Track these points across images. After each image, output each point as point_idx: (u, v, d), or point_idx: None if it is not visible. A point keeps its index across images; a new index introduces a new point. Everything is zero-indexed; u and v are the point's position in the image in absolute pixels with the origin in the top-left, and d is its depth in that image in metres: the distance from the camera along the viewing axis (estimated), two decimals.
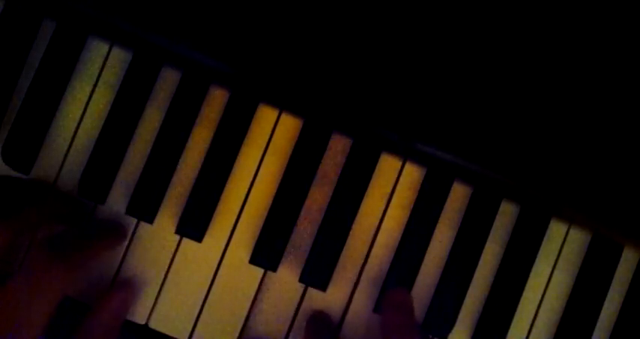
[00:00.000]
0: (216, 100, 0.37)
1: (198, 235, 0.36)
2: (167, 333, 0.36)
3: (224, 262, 0.37)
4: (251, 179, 0.37)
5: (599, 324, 0.37)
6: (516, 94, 0.35)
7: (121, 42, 0.37)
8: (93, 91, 0.37)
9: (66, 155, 0.37)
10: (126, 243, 0.37)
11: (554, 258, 0.38)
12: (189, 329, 0.36)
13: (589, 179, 0.35)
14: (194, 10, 0.35)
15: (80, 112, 0.37)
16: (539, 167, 0.35)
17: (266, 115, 0.37)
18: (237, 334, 0.37)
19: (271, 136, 0.37)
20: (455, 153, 0.35)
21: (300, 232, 0.37)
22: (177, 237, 0.37)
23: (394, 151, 0.37)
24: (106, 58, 0.37)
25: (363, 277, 0.37)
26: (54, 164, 0.37)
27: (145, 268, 0.37)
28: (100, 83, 0.37)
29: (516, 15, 0.35)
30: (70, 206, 0.36)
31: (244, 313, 0.37)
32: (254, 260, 0.37)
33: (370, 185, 0.37)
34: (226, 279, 0.37)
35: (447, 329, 0.37)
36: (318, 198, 0.37)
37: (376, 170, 0.37)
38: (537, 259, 0.37)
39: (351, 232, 0.37)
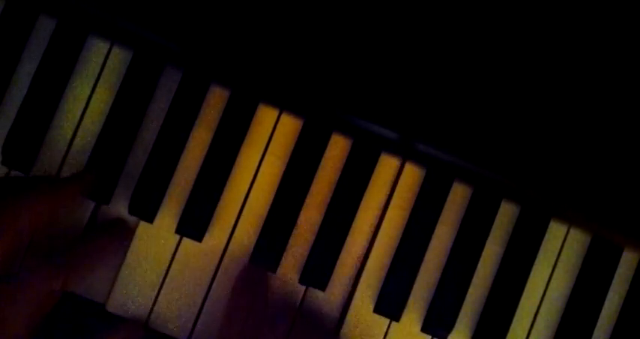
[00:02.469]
0: (216, 100, 0.37)
1: (198, 235, 0.36)
2: (166, 333, 0.36)
3: (224, 262, 0.37)
4: (251, 179, 0.37)
5: (599, 324, 0.37)
6: (516, 95, 0.35)
7: (121, 41, 0.37)
8: (93, 90, 0.37)
9: (66, 154, 0.37)
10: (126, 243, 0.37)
11: (554, 258, 0.38)
12: (189, 329, 0.36)
13: (589, 180, 0.35)
14: (194, 9, 0.35)
15: (80, 111, 0.37)
16: (540, 168, 0.35)
17: (266, 115, 0.37)
18: None
19: (271, 136, 0.37)
20: (455, 153, 0.35)
21: (300, 233, 0.37)
22: (177, 237, 0.37)
23: (394, 151, 0.37)
24: (107, 58, 0.37)
25: (363, 277, 0.37)
26: (54, 163, 0.37)
27: (145, 268, 0.36)
28: (100, 83, 0.37)
29: (516, 15, 0.35)
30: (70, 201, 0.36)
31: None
32: (254, 260, 0.37)
33: (370, 185, 0.37)
34: (226, 279, 0.37)
35: (447, 329, 0.37)
36: (317, 198, 0.37)
37: (376, 170, 0.37)
38: (537, 259, 0.37)
39: (350, 232, 0.37)
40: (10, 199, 0.31)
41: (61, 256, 0.33)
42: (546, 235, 0.37)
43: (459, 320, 0.37)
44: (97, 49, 0.37)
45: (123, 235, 0.36)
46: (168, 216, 0.37)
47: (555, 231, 0.38)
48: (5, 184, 0.34)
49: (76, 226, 0.37)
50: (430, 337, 0.37)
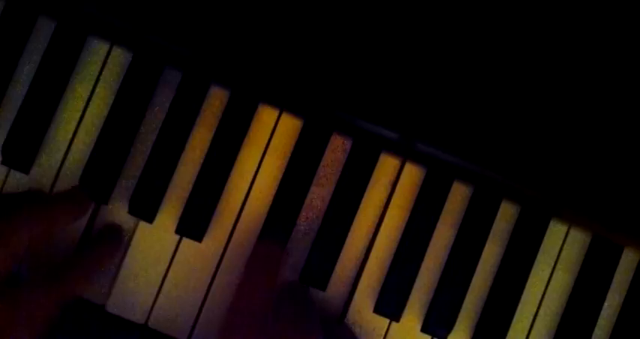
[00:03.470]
0: (216, 100, 0.37)
1: (198, 235, 0.36)
2: (166, 333, 0.36)
3: (224, 262, 0.37)
4: (251, 179, 0.37)
5: (599, 324, 0.37)
6: (517, 95, 0.35)
7: (121, 42, 0.37)
8: (93, 91, 0.37)
9: (65, 155, 0.37)
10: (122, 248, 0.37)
11: (554, 258, 0.38)
12: (189, 329, 0.36)
13: (589, 180, 0.35)
14: (194, 10, 0.35)
15: (80, 112, 0.37)
16: (540, 168, 0.35)
17: (266, 115, 0.37)
18: None
19: (271, 136, 0.37)
20: (455, 153, 0.35)
21: (300, 233, 0.37)
22: (177, 237, 0.37)
23: (394, 151, 0.37)
24: (106, 58, 0.37)
25: (363, 277, 0.37)
26: (53, 164, 0.37)
27: (145, 268, 0.36)
28: (99, 83, 0.37)
29: (516, 15, 0.35)
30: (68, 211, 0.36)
31: None
32: None
33: (370, 185, 0.37)
34: (226, 279, 0.37)
35: (446, 329, 0.37)
36: (318, 198, 0.37)
37: (376, 170, 0.37)
38: (537, 259, 0.37)
39: (351, 232, 0.37)
40: (4, 222, 0.31)
41: (61, 267, 0.33)
42: (546, 235, 0.37)
43: (458, 320, 0.37)
44: (96, 50, 0.37)
45: (121, 240, 0.36)
46: (168, 216, 0.37)
47: (555, 231, 0.38)
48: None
49: (75, 227, 0.37)
50: (430, 337, 0.37)
